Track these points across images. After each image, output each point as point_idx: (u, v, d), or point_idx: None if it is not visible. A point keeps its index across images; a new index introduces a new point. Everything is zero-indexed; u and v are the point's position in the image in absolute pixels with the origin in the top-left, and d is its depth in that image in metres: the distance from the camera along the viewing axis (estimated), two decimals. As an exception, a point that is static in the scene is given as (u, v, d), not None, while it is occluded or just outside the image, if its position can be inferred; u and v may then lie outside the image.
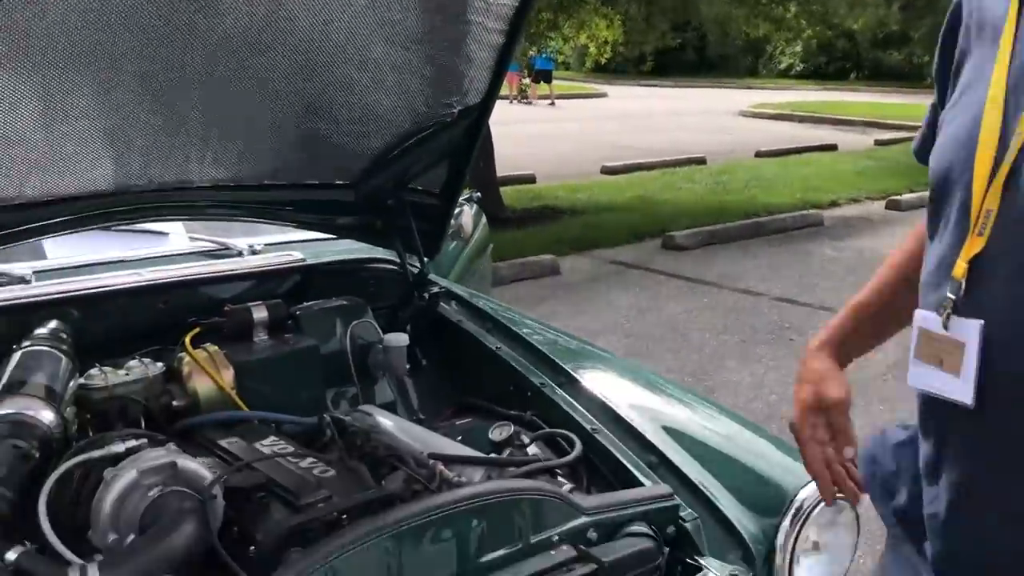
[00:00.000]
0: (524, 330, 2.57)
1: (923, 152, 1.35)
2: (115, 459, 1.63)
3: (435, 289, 2.65)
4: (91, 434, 1.98)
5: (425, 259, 2.71)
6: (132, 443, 1.65)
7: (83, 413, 2.01)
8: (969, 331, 1.13)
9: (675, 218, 9.92)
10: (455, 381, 2.61)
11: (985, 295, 1.13)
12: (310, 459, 1.92)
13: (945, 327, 1.16)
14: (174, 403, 2.18)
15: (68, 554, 1.47)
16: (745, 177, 13.19)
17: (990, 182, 1.11)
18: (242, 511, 1.69)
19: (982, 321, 1.13)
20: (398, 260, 2.78)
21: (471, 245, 4.02)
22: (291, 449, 1.98)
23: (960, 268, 1.14)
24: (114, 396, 2.06)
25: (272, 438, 2.07)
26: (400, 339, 2.45)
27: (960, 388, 1.15)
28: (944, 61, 1.31)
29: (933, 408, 1.21)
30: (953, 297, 1.15)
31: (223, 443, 2.00)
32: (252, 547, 1.60)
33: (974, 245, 1.12)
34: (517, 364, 2.38)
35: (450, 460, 1.93)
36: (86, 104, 1.91)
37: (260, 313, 2.38)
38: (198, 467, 1.64)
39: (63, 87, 1.82)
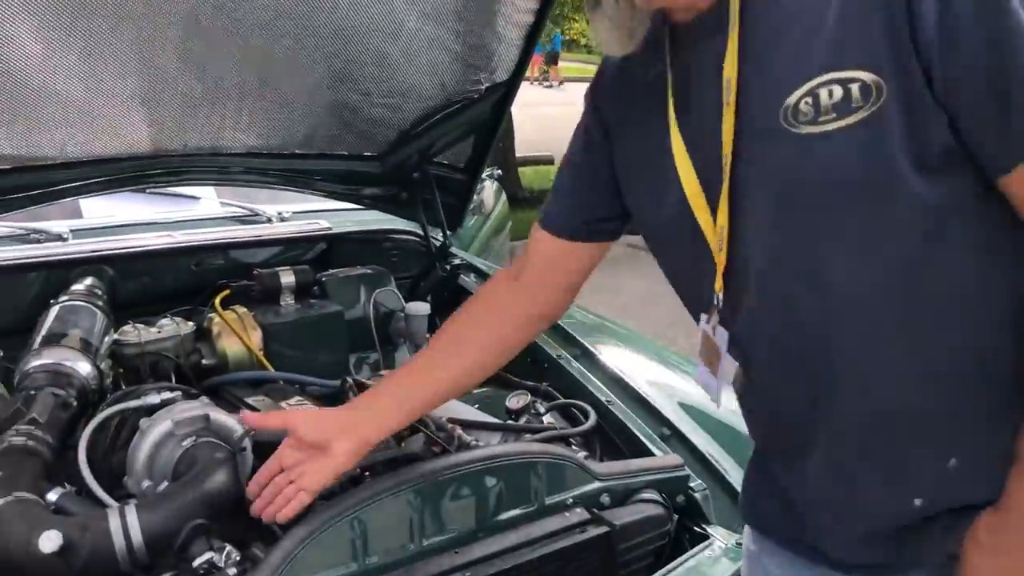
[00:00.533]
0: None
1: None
2: (150, 410, 1.70)
3: (456, 261, 2.71)
4: (124, 388, 2.07)
5: (448, 231, 2.77)
6: (167, 395, 1.72)
7: (116, 367, 2.09)
8: (722, 339, 1.22)
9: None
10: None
11: (729, 309, 1.20)
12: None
13: (713, 332, 1.23)
14: (203, 361, 2.25)
15: (106, 497, 1.54)
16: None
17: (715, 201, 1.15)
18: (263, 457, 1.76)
19: (728, 333, 1.21)
20: (421, 231, 2.84)
21: (491, 221, 4.08)
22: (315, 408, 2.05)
23: (719, 283, 1.19)
24: (146, 352, 2.14)
25: (297, 398, 2.14)
26: (422, 308, 2.52)
27: (715, 390, 1.27)
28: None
29: None
30: (717, 306, 1.21)
31: (250, 400, 2.07)
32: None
33: (720, 260, 1.18)
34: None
35: (468, 425, 1.99)
36: (129, 67, 1.97)
37: (287, 278, 2.44)
38: (229, 420, 1.71)
39: (108, 49, 1.88)
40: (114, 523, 1.42)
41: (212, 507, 1.51)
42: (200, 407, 1.69)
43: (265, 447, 1.76)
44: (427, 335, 2.56)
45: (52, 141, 2.07)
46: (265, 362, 2.27)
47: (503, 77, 2.41)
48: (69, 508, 1.53)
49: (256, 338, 2.29)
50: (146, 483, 1.62)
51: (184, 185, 2.51)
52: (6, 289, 2.21)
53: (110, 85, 2.00)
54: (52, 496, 1.54)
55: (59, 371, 1.84)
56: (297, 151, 2.48)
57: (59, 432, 1.71)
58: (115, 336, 2.13)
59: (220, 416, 1.70)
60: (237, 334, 2.27)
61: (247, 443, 1.70)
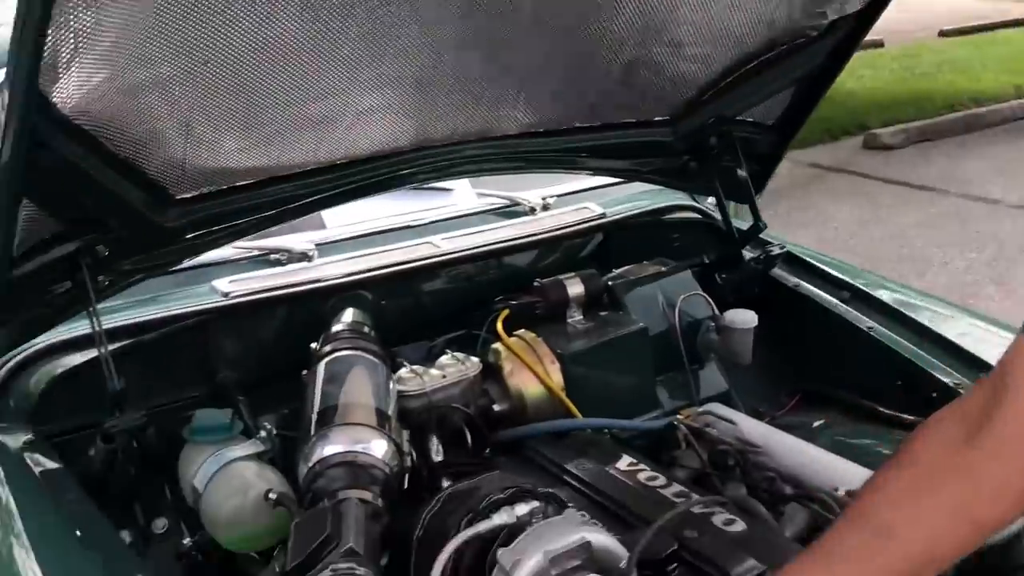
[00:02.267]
0: (890, 296, 2.04)
1: None
2: (509, 533, 1.23)
3: (775, 250, 2.14)
4: (411, 453, 1.62)
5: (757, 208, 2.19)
6: (523, 509, 1.25)
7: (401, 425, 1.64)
8: None
9: (869, 111, 8.92)
10: (794, 363, 2.13)
11: None
12: (696, 496, 1.50)
13: None
14: (494, 407, 1.78)
15: None
16: (935, 60, 11.82)
17: None
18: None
19: None
20: (709, 209, 2.28)
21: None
22: (667, 483, 1.55)
23: None
24: (433, 404, 1.68)
25: (627, 459, 1.65)
26: (748, 317, 1.97)
27: None
28: None
29: None
30: None
31: (572, 468, 1.60)
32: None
33: None
34: (905, 352, 1.87)
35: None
36: (404, 44, 1.47)
37: (576, 288, 1.94)
38: (610, 543, 1.23)
39: (387, 31, 1.38)
40: None
41: None
42: (575, 528, 1.21)
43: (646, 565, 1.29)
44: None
45: (301, 145, 1.60)
46: (570, 404, 1.79)
47: (856, 6, 1.80)
48: None
49: (555, 372, 1.80)
50: (510, 639, 1.16)
51: (449, 179, 2.02)
52: (248, 330, 1.79)
53: (377, 72, 1.50)
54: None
55: (357, 463, 1.40)
56: (577, 124, 1.94)
57: (377, 558, 1.27)
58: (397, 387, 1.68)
59: (600, 538, 1.22)
60: (533, 369, 1.78)
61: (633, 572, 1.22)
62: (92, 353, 1.56)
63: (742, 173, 2.11)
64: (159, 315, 1.69)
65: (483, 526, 1.23)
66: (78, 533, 1.27)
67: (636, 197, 2.37)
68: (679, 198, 2.35)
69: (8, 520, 1.33)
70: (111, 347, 1.61)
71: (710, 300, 2.04)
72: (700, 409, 1.89)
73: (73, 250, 1.45)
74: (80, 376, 1.59)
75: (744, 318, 1.96)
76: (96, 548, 1.26)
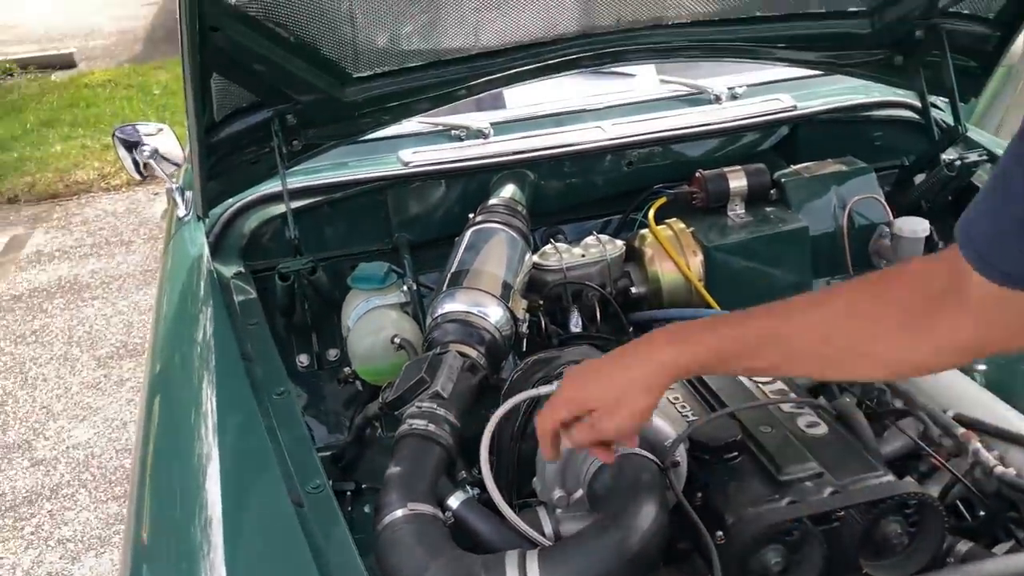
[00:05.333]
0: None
1: None
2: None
3: (973, 156, 1.98)
4: (541, 321, 1.77)
5: (959, 107, 2.02)
6: (584, 381, 1.37)
7: (534, 296, 1.80)
8: None
9: None
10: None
11: None
12: (793, 402, 1.52)
13: None
14: (632, 290, 1.88)
15: (511, 515, 1.25)
16: None
17: None
18: (711, 471, 1.36)
19: None
20: (920, 106, 2.12)
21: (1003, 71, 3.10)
22: (772, 379, 1.58)
23: None
24: (569, 280, 1.81)
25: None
26: (918, 227, 1.87)
27: None
28: None
29: None
30: None
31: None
32: (719, 531, 1.27)
33: None
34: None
35: (994, 433, 1.40)
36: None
37: (737, 181, 1.94)
38: (658, 422, 1.31)
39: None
40: (511, 576, 1.13)
41: (634, 561, 1.15)
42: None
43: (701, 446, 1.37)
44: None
45: (464, 30, 1.73)
46: (707, 295, 1.84)
47: None
48: (468, 521, 1.28)
49: (696, 264, 1.85)
50: (557, 493, 1.31)
51: (620, 65, 2.07)
52: (423, 195, 2.00)
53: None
54: (453, 502, 1.29)
55: (468, 322, 1.58)
56: (758, 14, 1.89)
57: (464, 404, 1.45)
58: (535, 259, 1.83)
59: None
60: (673, 258, 1.85)
61: (681, 453, 1.31)
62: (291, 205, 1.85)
63: (951, 69, 1.95)
64: (345, 178, 1.95)
65: (544, 389, 1.36)
66: (248, 348, 1.58)
67: (846, 91, 2.26)
68: (891, 94, 2.21)
69: (205, 330, 1.67)
70: (303, 203, 1.91)
71: (885, 204, 1.95)
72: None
73: (266, 118, 1.72)
74: (276, 225, 1.90)
75: (913, 227, 1.86)
76: (260, 365, 1.56)
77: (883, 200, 1.95)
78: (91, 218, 5.53)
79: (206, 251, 1.86)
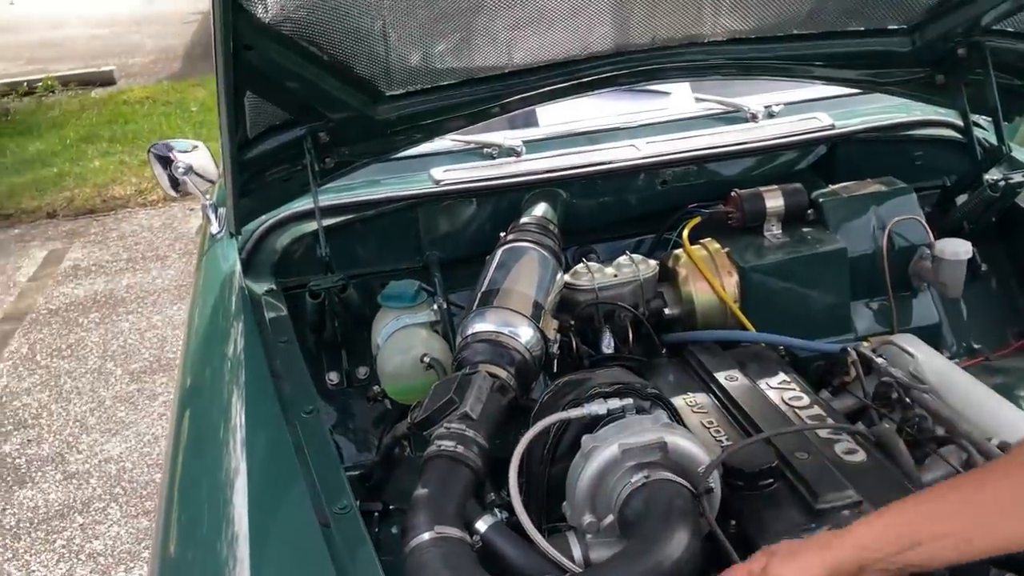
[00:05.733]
0: None
1: None
2: (595, 421, 1.34)
3: (1017, 176, 1.93)
4: (572, 341, 1.74)
5: (1005, 125, 1.98)
6: (615, 403, 1.34)
7: (565, 316, 1.77)
8: None
9: None
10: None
11: None
12: (831, 427, 1.48)
13: None
14: (666, 311, 1.85)
15: (540, 539, 1.22)
16: None
17: None
18: (744, 498, 1.33)
19: None
20: (961, 125, 2.08)
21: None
22: (809, 404, 1.55)
23: None
24: (601, 300, 1.79)
25: (781, 376, 1.65)
26: (960, 248, 1.82)
27: None
28: None
29: None
30: None
31: (721, 378, 1.64)
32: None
33: None
34: None
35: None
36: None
37: (774, 201, 1.91)
38: (691, 447, 1.29)
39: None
40: (544, 609, 1.10)
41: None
42: (655, 430, 1.29)
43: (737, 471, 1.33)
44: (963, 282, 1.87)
45: (497, 48, 1.73)
46: (742, 317, 1.80)
47: None
48: (496, 545, 1.26)
49: (731, 285, 1.82)
50: (587, 519, 1.28)
51: (653, 84, 2.05)
52: (455, 214, 2.00)
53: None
54: (481, 526, 1.27)
55: (499, 343, 1.56)
56: (796, 31, 1.87)
57: (493, 426, 1.43)
58: (566, 278, 1.81)
59: (679, 442, 1.29)
60: (707, 279, 1.82)
61: (715, 479, 1.28)
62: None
63: (994, 88, 1.91)
64: (377, 196, 1.95)
65: (574, 412, 1.34)
66: (278, 364, 1.57)
67: (885, 110, 2.22)
68: (932, 113, 2.17)
69: (236, 345, 1.67)
70: (334, 220, 1.90)
71: (926, 225, 1.90)
72: (887, 338, 1.81)
73: (298, 136, 1.72)
74: (308, 242, 1.90)
75: (955, 248, 1.82)
76: (289, 382, 1.55)
77: (924, 221, 1.91)
78: (128, 233, 5.60)
79: (238, 268, 1.86)
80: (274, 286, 1.86)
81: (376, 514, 1.52)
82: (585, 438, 1.30)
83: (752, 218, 1.91)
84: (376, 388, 1.77)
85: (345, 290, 1.75)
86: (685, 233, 1.89)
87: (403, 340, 1.68)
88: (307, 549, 1.19)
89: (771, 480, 1.34)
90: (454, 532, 1.22)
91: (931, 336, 1.85)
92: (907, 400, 1.60)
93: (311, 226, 1.91)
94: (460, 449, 1.34)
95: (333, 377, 1.87)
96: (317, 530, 1.20)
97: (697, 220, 1.93)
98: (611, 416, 1.34)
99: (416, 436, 1.50)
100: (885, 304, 1.94)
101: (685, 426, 1.41)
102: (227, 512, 1.28)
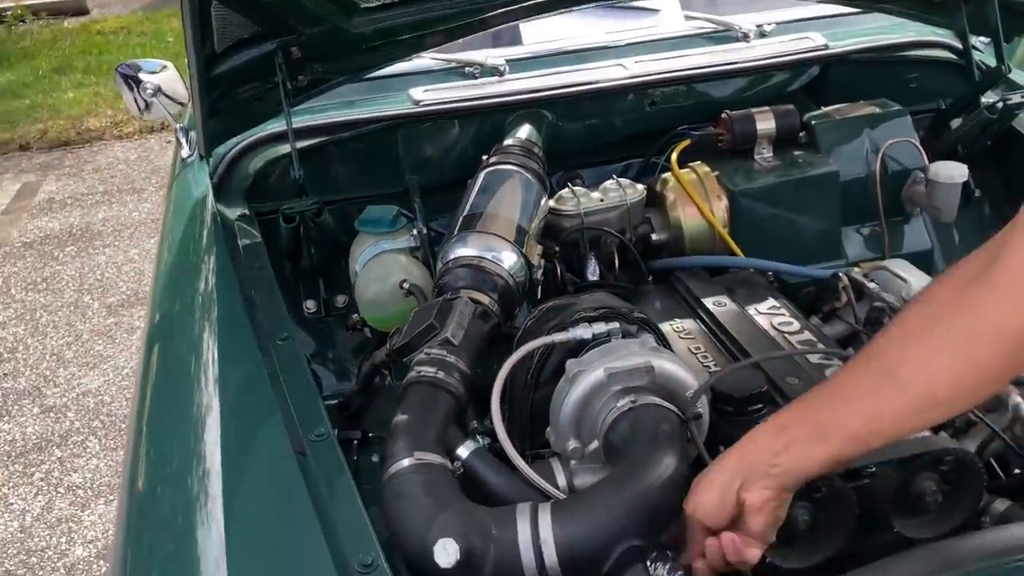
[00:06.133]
0: None
1: None
2: (580, 346, 1.29)
3: (1016, 97, 1.87)
4: (556, 268, 1.69)
5: (1004, 45, 1.91)
6: (600, 328, 1.29)
7: (549, 242, 1.72)
8: None
9: None
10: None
11: None
12: (821, 352, 1.45)
13: None
14: (653, 236, 1.80)
15: (523, 465, 1.19)
16: None
17: None
18: (733, 423, 1.29)
19: None
20: (958, 47, 2.01)
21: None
22: (799, 329, 1.51)
23: None
24: (587, 226, 1.73)
25: (770, 302, 1.61)
26: (956, 172, 1.77)
27: None
28: None
29: None
30: None
31: (709, 304, 1.59)
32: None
33: None
34: None
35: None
36: None
37: (765, 123, 1.85)
38: (679, 372, 1.24)
39: None
40: (523, 534, 1.07)
41: (652, 516, 1.09)
42: (641, 354, 1.25)
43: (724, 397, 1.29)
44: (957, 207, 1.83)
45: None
46: (731, 241, 1.76)
47: None
48: (478, 472, 1.22)
49: (721, 209, 1.77)
50: (572, 444, 1.24)
51: (642, 0, 1.97)
52: (435, 136, 1.92)
53: None
54: (462, 452, 1.23)
55: (481, 268, 1.51)
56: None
57: (475, 352, 1.39)
58: (551, 203, 1.75)
59: (667, 366, 1.24)
60: (696, 203, 1.76)
61: (703, 405, 1.24)
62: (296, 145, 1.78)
63: (995, 6, 1.84)
64: (353, 117, 1.87)
65: (559, 336, 1.30)
66: (252, 293, 1.52)
67: (880, 30, 2.15)
68: (929, 33, 2.09)
69: (207, 274, 1.61)
70: (309, 142, 1.83)
71: (920, 149, 1.85)
72: (879, 264, 1.77)
73: (269, 50, 1.63)
74: (282, 165, 1.82)
75: (950, 172, 1.77)
76: (263, 311, 1.50)
77: (918, 144, 1.85)
78: (103, 166, 5.48)
79: (210, 192, 1.79)
80: (247, 211, 1.79)
81: (355, 442, 1.47)
82: (570, 362, 1.26)
83: (743, 141, 1.85)
84: (355, 317, 1.72)
85: (320, 214, 1.68)
86: (674, 156, 1.83)
87: (382, 266, 1.62)
88: (282, 478, 1.14)
89: (761, 406, 1.30)
90: (435, 458, 1.18)
91: (923, 262, 1.81)
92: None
93: (285, 148, 1.84)
94: (441, 375, 1.29)
95: (310, 306, 1.81)
96: (292, 458, 1.15)
97: (686, 143, 1.87)
98: (596, 340, 1.30)
99: (396, 364, 1.45)
100: (876, 230, 1.90)
101: (672, 351, 1.37)
102: (198, 446, 1.23)
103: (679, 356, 1.36)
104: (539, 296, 1.62)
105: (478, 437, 1.27)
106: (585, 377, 1.23)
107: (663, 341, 1.38)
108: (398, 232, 1.70)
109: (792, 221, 1.81)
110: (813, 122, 1.88)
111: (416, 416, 1.25)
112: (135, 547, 1.15)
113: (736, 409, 1.30)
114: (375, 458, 1.50)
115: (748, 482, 1.02)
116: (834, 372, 1.04)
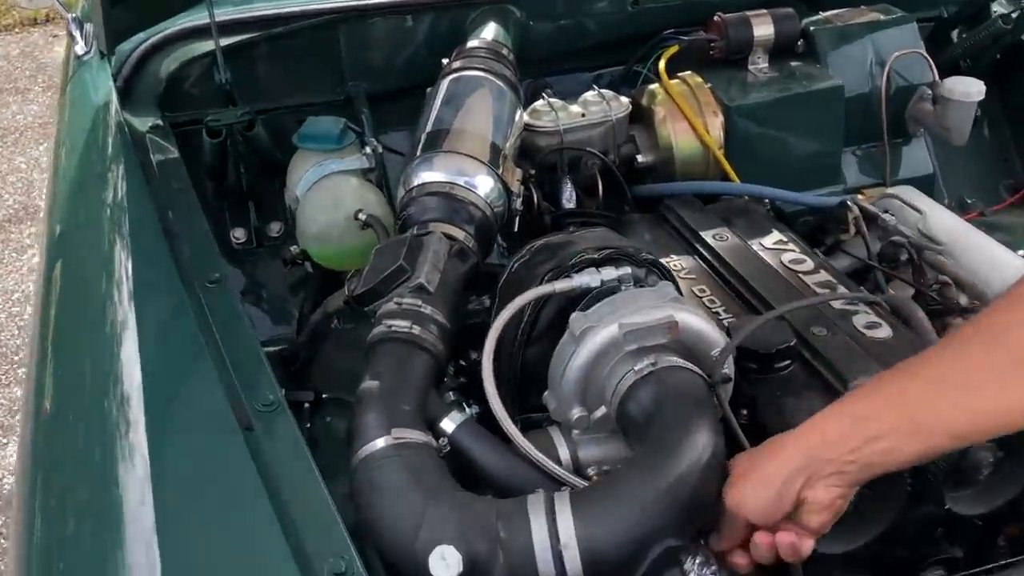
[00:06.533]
0: None
1: None
2: (581, 295, 1.08)
3: (1033, 5, 1.70)
4: (533, 195, 1.46)
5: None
6: (610, 274, 1.08)
7: (524, 164, 1.48)
8: None
9: None
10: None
11: None
12: (841, 290, 1.27)
13: None
14: (638, 158, 1.58)
15: (523, 442, 0.98)
16: None
17: None
18: (757, 382, 1.11)
19: None
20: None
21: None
22: (814, 268, 1.33)
23: None
24: (566, 146, 1.50)
25: (775, 235, 1.43)
26: (972, 88, 1.60)
27: None
28: None
29: None
30: None
31: (708, 238, 1.39)
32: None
33: None
34: None
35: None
36: None
37: (764, 29, 1.64)
38: (706, 327, 1.05)
39: None
40: (539, 536, 0.87)
41: (691, 509, 0.90)
42: (661, 305, 1.04)
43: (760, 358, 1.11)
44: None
45: None
46: (726, 165, 1.55)
47: None
48: (468, 450, 1.02)
49: (716, 127, 1.56)
50: (576, 412, 1.04)
51: None
52: (384, 34, 1.64)
53: None
54: (448, 426, 1.02)
55: (453, 195, 1.27)
56: None
57: (453, 300, 1.16)
58: (525, 119, 1.51)
59: (692, 321, 1.04)
60: (689, 120, 1.54)
61: (729, 366, 1.05)
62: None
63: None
64: (286, 10, 1.58)
65: (560, 284, 1.08)
66: (170, 220, 1.25)
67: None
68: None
69: (116, 192, 1.33)
70: (234, 39, 1.53)
71: (930, 61, 1.67)
72: (887, 191, 1.60)
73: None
74: (201, 67, 1.53)
75: (966, 88, 1.59)
76: (187, 242, 1.24)
77: (927, 56, 1.67)
78: (-20, 62, 4.93)
79: (114, 97, 1.50)
80: (160, 122, 1.50)
81: (306, 405, 1.24)
82: (575, 316, 1.04)
83: (737, 48, 1.64)
84: (294, 249, 1.46)
85: (252, 127, 1.41)
86: (662, 64, 1.60)
87: (330, 192, 1.36)
88: (225, 459, 0.92)
89: (788, 361, 1.13)
90: (416, 436, 0.97)
91: (923, 188, 1.65)
92: (919, 263, 1.41)
93: (205, 46, 1.55)
94: (416, 330, 1.07)
95: (239, 235, 1.55)
96: (238, 433, 0.93)
97: (674, 49, 1.64)
98: (605, 288, 1.09)
99: (354, 311, 1.21)
100: (873, 151, 1.73)
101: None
102: (114, 367, 1.02)
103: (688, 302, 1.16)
104: (515, 229, 1.39)
105: (464, 405, 1.06)
106: (595, 335, 1.02)
107: (677, 288, 1.17)
108: (346, 150, 1.43)
109: (788, 142, 1.62)
110: (812, 29, 1.68)
111: (390, 382, 1.03)
112: (43, 494, 0.94)
113: (760, 366, 1.12)
114: (329, 419, 1.28)
115: (814, 478, 0.85)
116: (925, 352, 0.84)
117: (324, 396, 1.26)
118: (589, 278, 1.08)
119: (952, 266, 1.38)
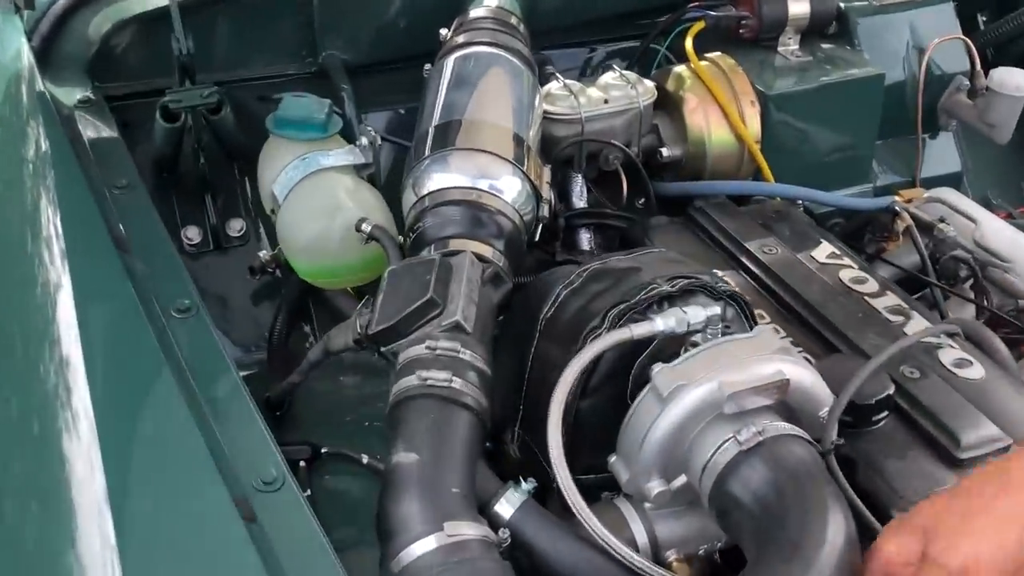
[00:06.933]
0: None
1: None
2: (649, 340, 0.88)
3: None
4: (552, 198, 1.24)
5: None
6: (698, 315, 0.88)
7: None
8: None
9: None
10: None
11: None
12: (926, 324, 1.11)
13: None
14: (663, 152, 1.37)
15: (607, 536, 0.79)
16: None
17: None
18: (852, 437, 0.93)
19: None
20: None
21: None
22: (879, 291, 1.16)
23: None
24: (588, 138, 1.28)
25: (826, 247, 1.25)
26: (1022, 82, 1.45)
27: None
28: None
29: None
30: None
31: (754, 249, 1.21)
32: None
33: None
34: None
35: None
36: None
37: (799, 7, 1.46)
38: (814, 382, 0.86)
39: None
40: None
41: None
42: (770, 357, 0.85)
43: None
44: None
45: None
46: (763, 163, 1.37)
47: None
48: (531, 538, 0.83)
49: (753, 118, 1.37)
50: (657, 487, 0.85)
51: None
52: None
53: None
54: (504, 509, 0.83)
55: (480, 205, 1.04)
56: None
57: (488, 339, 0.95)
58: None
59: (804, 376, 0.86)
60: (724, 110, 1.35)
61: (834, 433, 0.87)
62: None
63: None
64: None
65: (639, 329, 0.87)
66: (114, 221, 1.00)
67: None
68: None
69: (43, 197, 1.06)
70: (188, -3, 1.25)
71: (973, 48, 1.51)
72: (927, 194, 1.45)
73: None
74: (151, 28, 1.25)
75: (1018, 81, 1.44)
76: (138, 250, 0.99)
77: (969, 42, 1.52)
78: None
79: (29, 60, 1.22)
80: (91, 94, 1.23)
81: (301, 464, 1.01)
82: (662, 372, 0.84)
83: (770, 27, 1.45)
84: (264, 254, 1.22)
85: (219, 110, 1.14)
86: (688, 42, 1.40)
87: (322, 195, 1.10)
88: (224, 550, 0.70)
89: (886, 412, 0.96)
90: (472, 532, 0.77)
91: (950, 187, 1.51)
92: (979, 281, 1.27)
93: (142, 2, 1.27)
94: (457, 383, 0.86)
95: (192, 235, 1.28)
96: (239, 525, 0.71)
97: (701, 25, 1.43)
98: (689, 332, 0.89)
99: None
100: (900, 145, 1.57)
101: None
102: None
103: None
104: (536, 240, 1.17)
105: (522, 480, 0.85)
106: (687, 395, 0.83)
107: (751, 321, 0.98)
108: (331, 140, 1.18)
109: (820, 135, 1.45)
110: (847, 9, 1.50)
111: (431, 456, 0.81)
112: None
113: (856, 420, 0.95)
114: (327, 477, 1.05)
115: None
116: None
117: (324, 451, 1.03)
118: (675, 321, 0.87)
119: (1021, 284, 1.24)
